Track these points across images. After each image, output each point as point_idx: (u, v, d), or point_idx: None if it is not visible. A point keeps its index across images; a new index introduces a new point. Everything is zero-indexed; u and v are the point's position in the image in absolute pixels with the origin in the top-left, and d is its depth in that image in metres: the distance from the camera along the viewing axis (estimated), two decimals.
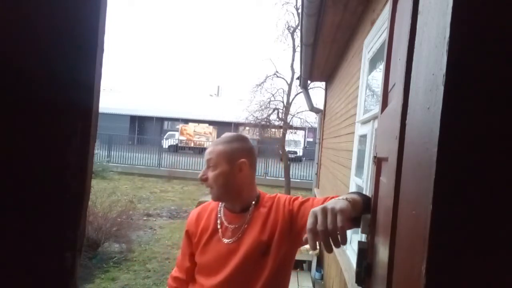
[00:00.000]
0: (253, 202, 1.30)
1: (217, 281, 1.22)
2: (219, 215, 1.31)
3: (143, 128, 31.97)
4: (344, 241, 0.80)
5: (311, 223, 0.82)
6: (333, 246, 0.80)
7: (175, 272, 1.40)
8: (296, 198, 1.30)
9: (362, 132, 3.08)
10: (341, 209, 0.84)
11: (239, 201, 1.29)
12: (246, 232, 1.25)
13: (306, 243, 0.83)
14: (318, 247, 0.89)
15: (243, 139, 1.33)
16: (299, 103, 12.37)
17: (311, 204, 1.22)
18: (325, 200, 1.14)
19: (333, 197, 1.09)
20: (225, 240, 1.25)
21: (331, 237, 0.80)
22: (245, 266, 1.21)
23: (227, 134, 1.34)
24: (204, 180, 1.26)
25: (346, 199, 0.93)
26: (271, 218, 1.25)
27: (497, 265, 0.37)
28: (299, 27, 8.05)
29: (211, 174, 1.25)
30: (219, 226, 1.28)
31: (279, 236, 1.22)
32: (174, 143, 23.11)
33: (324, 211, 0.83)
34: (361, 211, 1.03)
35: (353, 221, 1.08)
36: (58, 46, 0.42)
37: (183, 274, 1.36)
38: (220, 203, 1.34)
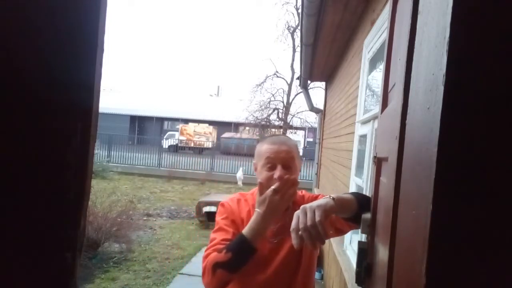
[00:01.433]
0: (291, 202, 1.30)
1: (261, 279, 1.22)
2: None
3: (143, 128, 32.00)
4: (325, 234, 0.84)
5: (294, 223, 0.86)
6: (317, 243, 0.84)
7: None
8: (317, 196, 1.32)
9: (362, 132, 3.08)
10: (318, 205, 0.88)
11: None
12: (287, 232, 1.24)
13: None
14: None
15: None
16: (299, 103, 12.40)
17: None
18: None
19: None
20: (270, 239, 1.25)
21: (311, 233, 0.83)
22: (286, 265, 1.23)
23: (283, 136, 1.32)
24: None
25: (330, 196, 0.97)
26: None
27: (497, 265, 0.37)
28: (299, 27, 8.06)
29: (290, 175, 1.22)
30: None
31: None
32: (174, 143, 23.12)
33: (304, 210, 0.88)
34: (355, 210, 1.03)
35: (352, 221, 1.08)
36: (58, 46, 0.42)
37: None
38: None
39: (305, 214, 0.86)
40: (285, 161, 1.23)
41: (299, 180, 1.25)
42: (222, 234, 1.25)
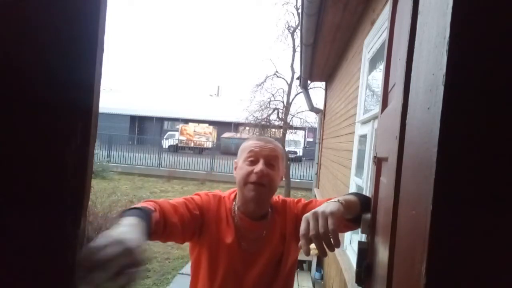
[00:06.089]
0: (270, 209, 1.24)
1: None
2: (235, 219, 1.19)
3: (143, 128, 31.99)
4: (337, 243, 0.81)
5: (303, 228, 0.83)
6: (328, 250, 0.81)
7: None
8: (299, 201, 1.27)
9: (362, 132, 3.08)
10: (331, 212, 0.84)
11: (267, 207, 1.22)
12: (266, 241, 1.19)
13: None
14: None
15: None
16: (299, 103, 12.36)
17: (314, 206, 1.17)
18: (327, 201, 1.13)
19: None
20: (245, 249, 1.17)
21: (323, 241, 0.80)
22: (263, 276, 1.17)
23: (270, 138, 1.27)
24: (265, 176, 1.13)
25: (338, 201, 0.93)
26: (282, 225, 1.22)
27: (497, 265, 0.37)
28: (299, 27, 8.05)
29: (272, 173, 1.16)
30: (237, 231, 1.17)
31: (289, 242, 1.20)
32: (174, 143, 23.11)
33: (315, 215, 0.83)
34: (359, 211, 1.02)
35: (352, 222, 1.08)
36: (58, 46, 0.42)
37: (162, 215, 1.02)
38: (234, 206, 1.21)
39: (317, 220, 0.82)
40: (269, 158, 1.16)
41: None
42: (180, 204, 1.09)
